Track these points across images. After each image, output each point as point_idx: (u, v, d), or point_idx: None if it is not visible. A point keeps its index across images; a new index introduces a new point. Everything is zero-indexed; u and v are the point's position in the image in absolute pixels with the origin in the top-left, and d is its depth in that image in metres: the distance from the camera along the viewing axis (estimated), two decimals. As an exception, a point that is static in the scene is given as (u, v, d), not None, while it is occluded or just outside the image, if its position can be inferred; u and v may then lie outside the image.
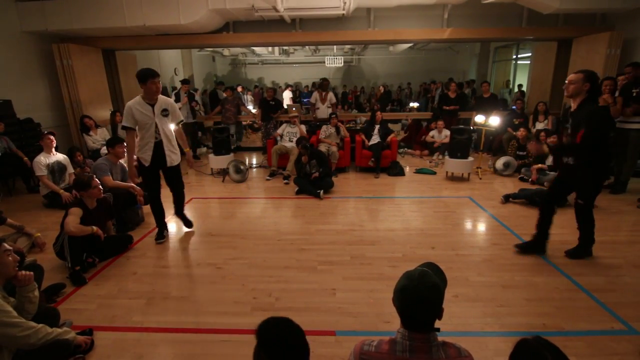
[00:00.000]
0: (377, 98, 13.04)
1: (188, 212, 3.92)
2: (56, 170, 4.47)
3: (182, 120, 3.46)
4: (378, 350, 1.18)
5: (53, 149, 4.53)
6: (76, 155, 5.09)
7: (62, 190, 4.34)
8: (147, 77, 3.01)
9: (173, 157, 3.38)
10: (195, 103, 7.45)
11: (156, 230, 3.61)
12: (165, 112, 3.22)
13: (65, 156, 4.70)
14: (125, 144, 3.95)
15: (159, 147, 3.26)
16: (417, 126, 8.06)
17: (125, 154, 4.04)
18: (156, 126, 3.18)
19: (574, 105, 2.75)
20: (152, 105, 3.14)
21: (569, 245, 3.32)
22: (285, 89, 13.48)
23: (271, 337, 1.11)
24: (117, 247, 3.31)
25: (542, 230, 3.12)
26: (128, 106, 3.10)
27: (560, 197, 2.99)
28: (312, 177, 5.03)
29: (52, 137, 4.52)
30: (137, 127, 3.20)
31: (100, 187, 3.09)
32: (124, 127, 3.17)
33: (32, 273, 1.92)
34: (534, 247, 3.17)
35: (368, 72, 16.70)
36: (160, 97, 3.19)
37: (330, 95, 7.23)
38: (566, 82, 2.74)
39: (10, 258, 1.87)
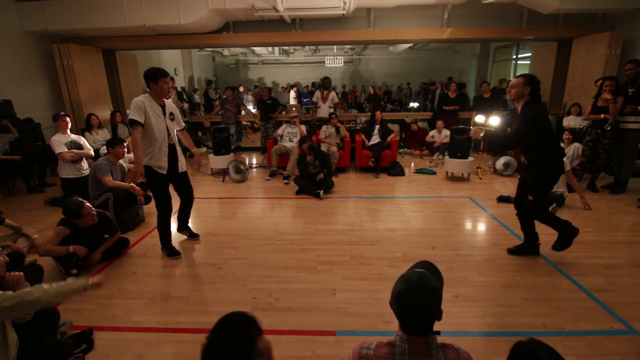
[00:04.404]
0: (366, 98, 13.23)
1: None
2: (74, 149, 4.44)
3: (185, 127, 3.33)
4: (376, 354, 1.17)
5: (68, 131, 4.49)
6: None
7: (86, 151, 4.53)
8: (160, 75, 2.82)
9: (183, 161, 3.21)
10: (181, 102, 7.50)
11: (155, 231, 3.35)
12: (172, 116, 3.05)
13: (79, 136, 4.69)
14: (125, 145, 3.96)
15: (173, 151, 3.06)
16: (408, 127, 8.02)
17: (126, 154, 4.05)
18: (167, 128, 2.98)
19: (518, 107, 2.84)
20: (162, 106, 2.96)
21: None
22: (290, 89, 13.54)
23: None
24: (112, 251, 3.23)
25: (528, 233, 3.14)
26: (140, 100, 2.78)
27: (525, 198, 3.07)
28: (318, 178, 5.02)
29: (67, 118, 4.49)
30: (145, 128, 2.86)
31: (94, 212, 2.89)
32: (132, 122, 2.74)
33: (21, 274, 1.86)
34: (526, 249, 3.18)
35: (368, 72, 16.70)
36: (166, 100, 3.06)
37: (333, 94, 7.22)
38: (509, 87, 2.85)
39: (1, 258, 1.85)
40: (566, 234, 3.03)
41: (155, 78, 2.82)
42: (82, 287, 1.77)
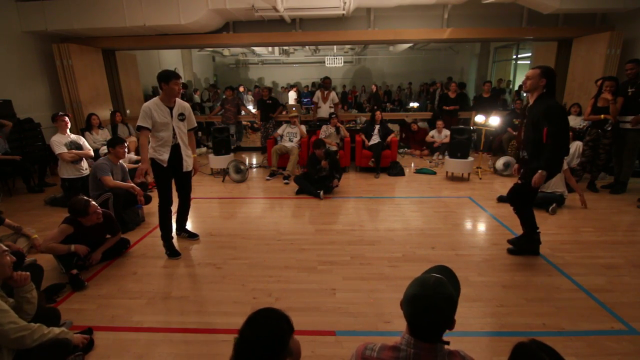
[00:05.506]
0: (368, 98, 13.20)
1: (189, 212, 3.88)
2: (73, 149, 4.45)
3: (195, 127, 3.37)
4: (380, 356, 1.14)
5: (67, 130, 4.50)
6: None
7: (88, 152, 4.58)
8: (171, 77, 2.97)
9: (189, 161, 3.30)
10: None
11: (157, 230, 3.49)
12: (181, 117, 3.15)
13: (78, 136, 4.69)
14: (126, 145, 3.97)
15: (176, 150, 3.17)
16: (408, 127, 8.02)
17: (126, 154, 4.06)
18: (173, 129, 3.10)
19: (531, 100, 2.78)
20: (170, 109, 3.08)
21: (568, 245, 3.33)
22: (290, 89, 13.53)
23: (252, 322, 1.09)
24: (113, 251, 3.22)
25: (526, 226, 3.11)
26: (147, 106, 3.01)
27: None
28: (332, 184, 4.98)
29: (66, 118, 4.51)
30: (152, 128, 3.06)
31: (100, 211, 2.94)
32: (139, 127, 3.02)
33: (28, 273, 1.91)
34: (525, 243, 3.15)
35: (368, 72, 16.71)
36: (178, 100, 3.13)
37: (333, 94, 7.21)
38: (524, 77, 2.78)
39: (7, 258, 1.87)
40: (529, 239, 3.03)
41: (167, 79, 2.98)
42: (68, 340, 1.91)
